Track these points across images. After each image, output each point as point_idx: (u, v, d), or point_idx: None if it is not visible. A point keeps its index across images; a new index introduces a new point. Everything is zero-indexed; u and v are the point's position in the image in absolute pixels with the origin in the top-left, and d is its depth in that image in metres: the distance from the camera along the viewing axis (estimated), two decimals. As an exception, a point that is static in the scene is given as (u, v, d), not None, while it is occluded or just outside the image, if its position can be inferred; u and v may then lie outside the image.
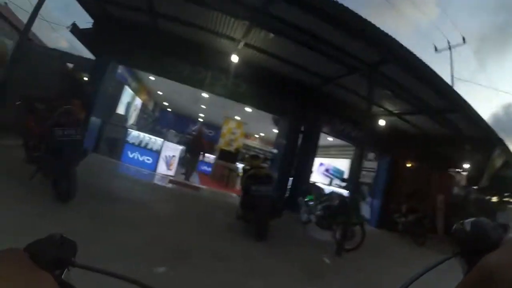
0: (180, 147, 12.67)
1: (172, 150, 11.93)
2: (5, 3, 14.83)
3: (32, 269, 0.44)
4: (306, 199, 8.19)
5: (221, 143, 17.89)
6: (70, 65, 10.98)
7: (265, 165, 6.93)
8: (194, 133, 12.56)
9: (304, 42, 7.41)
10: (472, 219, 0.57)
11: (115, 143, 11.20)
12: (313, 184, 9.55)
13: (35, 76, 10.03)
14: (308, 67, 8.89)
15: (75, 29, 9.55)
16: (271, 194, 5.88)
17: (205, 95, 13.60)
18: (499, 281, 0.39)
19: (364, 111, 7.55)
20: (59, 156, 4.42)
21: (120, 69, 11.69)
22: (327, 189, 9.76)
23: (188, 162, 11.87)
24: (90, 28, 9.75)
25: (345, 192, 9.16)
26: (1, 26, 11.13)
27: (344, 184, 10.33)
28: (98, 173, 7.64)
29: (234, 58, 8.74)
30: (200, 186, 10.80)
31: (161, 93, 17.48)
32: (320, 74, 9.14)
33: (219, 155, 15.25)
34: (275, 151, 10.33)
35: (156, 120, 22.22)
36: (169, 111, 23.41)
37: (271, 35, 7.49)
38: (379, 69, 7.29)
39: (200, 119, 22.73)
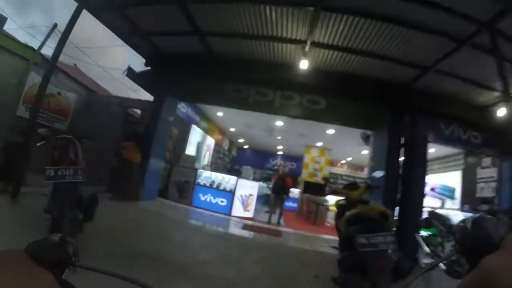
0: (258, 184, 11.04)
1: (249, 188, 10.33)
2: (75, 64, 16.18)
3: (33, 268, 0.45)
4: (426, 235, 5.74)
5: (305, 175, 15.86)
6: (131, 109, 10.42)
7: (366, 197, 4.67)
8: (279, 172, 10.91)
9: (393, 17, 5.44)
10: (474, 217, 0.57)
11: (184, 186, 10.07)
12: (434, 212, 6.64)
13: (98, 125, 9.59)
14: (400, 56, 6.67)
15: (130, 73, 8.96)
16: (393, 246, 3.26)
17: (279, 123, 12.05)
18: (499, 284, 0.40)
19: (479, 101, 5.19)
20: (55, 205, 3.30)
21: (184, 108, 10.86)
22: (453, 216, 6.97)
23: (273, 203, 10.31)
24: (145, 70, 9.10)
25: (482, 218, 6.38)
26: (70, 84, 11.12)
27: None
28: (155, 224, 6.29)
29: (303, 64, 6.96)
30: (282, 229, 8.89)
31: (233, 129, 16.36)
32: (416, 62, 6.86)
33: (304, 188, 13.37)
34: (379, 174, 7.89)
35: (233, 159, 21.18)
36: (246, 148, 22.30)
37: (346, 16, 5.65)
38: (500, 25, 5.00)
39: (279, 152, 21.11)
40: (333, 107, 8.16)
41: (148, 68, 9.11)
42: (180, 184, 10.24)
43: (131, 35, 7.90)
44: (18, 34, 10.19)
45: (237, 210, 9.83)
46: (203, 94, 8.94)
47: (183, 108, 11.00)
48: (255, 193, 10.47)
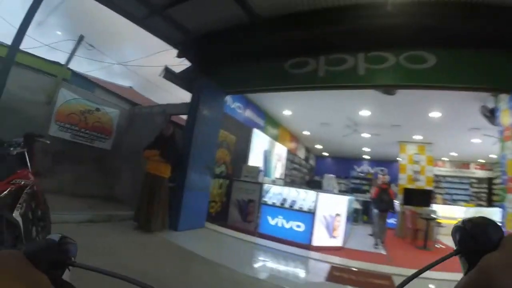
0: (347, 198, 8.32)
1: (335, 204, 7.60)
2: (130, 87, 16.64)
3: (29, 271, 0.45)
4: None
5: (403, 180, 12.32)
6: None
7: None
8: (379, 182, 8.44)
9: None
10: (473, 217, 0.54)
11: (247, 207, 7.86)
12: None
13: (142, 138, 8.12)
14: None
15: (168, 74, 7.10)
16: None
17: (365, 113, 9.22)
18: (499, 282, 0.39)
19: None
20: None
21: (241, 108, 8.85)
22: None
23: (379, 223, 8.35)
24: (184, 69, 7.34)
25: None
26: (109, 99, 10.08)
27: None
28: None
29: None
30: (391, 267, 5.82)
31: (307, 132, 13.67)
32: None
33: (404, 198, 10.44)
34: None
35: (311, 169, 18.46)
36: (325, 156, 19.47)
37: None
38: None
39: (365, 156, 17.85)
40: (448, 62, 5.04)
41: (184, 63, 7.20)
42: (243, 204, 7.97)
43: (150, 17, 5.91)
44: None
45: (320, 237, 7.07)
46: (254, 79, 6.58)
47: (239, 108, 8.78)
48: (343, 211, 7.71)
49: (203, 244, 5.82)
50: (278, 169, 12.56)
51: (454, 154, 15.32)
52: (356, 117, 9.93)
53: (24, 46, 8.46)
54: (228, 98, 8.18)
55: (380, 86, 6.21)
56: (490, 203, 15.21)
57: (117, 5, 5.62)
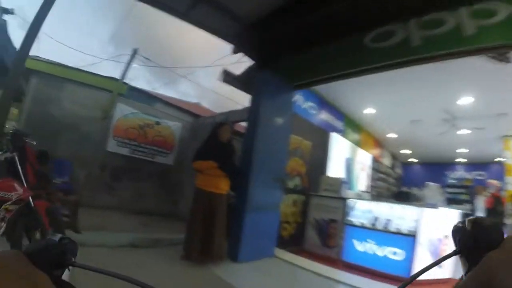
0: (458, 212, 6.49)
1: (443, 222, 5.73)
2: (198, 102, 16.44)
3: (30, 271, 0.44)
4: None
5: (509, 185, 9.50)
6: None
7: None
8: (492, 191, 6.89)
9: None
10: (475, 217, 0.54)
11: (328, 228, 6.46)
12: None
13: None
14: None
15: (227, 77, 6.16)
16: None
17: (466, 100, 7.34)
18: (501, 281, 0.39)
19: None
20: None
21: (316, 109, 7.65)
22: None
23: None
24: (245, 70, 6.20)
25: None
26: (170, 112, 9.58)
27: None
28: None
29: None
30: None
31: (394, 135, 11.64)
32: None
33: None
34: None
35: (399, 178, 16.15)
36: (413, 162, 17.02)
37: None
38: None
39: (459, 159, 15.05)
40: None
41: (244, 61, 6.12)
42: (323, 224, 6.55)
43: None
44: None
45: (424, 266, 5.17)
46: (326, 64, 5.00)
47: (312, 108, 7.40)
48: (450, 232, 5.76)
49: (270, 282, 4.44)
50: (362, 180, 10.76)
51: None
52: (455, 108, 7.91)
53: (85, 63, 8.86)
54: (298, 97, 6.84)
55: (493, 49, 4.28)
56: None
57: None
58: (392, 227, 5.72)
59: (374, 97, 8.00)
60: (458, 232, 0.55)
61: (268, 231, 5.41)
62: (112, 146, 7.90)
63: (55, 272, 0.51)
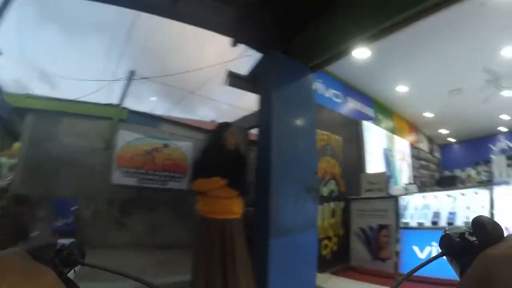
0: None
1: None
2: (213, 120, 15.52)
3: (35, 265, 0.43)
4: None
5: None
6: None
7: None
8: None
9: None
10: (473, 217, 0.51)
11: (378, 238, 5.29)
12: None
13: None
14: None
15: (233, 80, 5.14)
16: None
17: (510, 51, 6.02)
18: (499, 274, 0.39)
19: None
20: None
21: (339, 97, 6.61)
22: None
23: None
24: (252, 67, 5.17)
25: None
26: (179, 132, 8.77)
27: None
28: None
29: None
30: None
31: (431, 114, 10.34)
32: None
33: None
34: None
35: (439, 163, 14.67)
36: (451, 142, 15.50)
37: None
38: None
39: (502, 128, 13.40)
40: None
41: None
42: (370, 233, 5.41)
43: None
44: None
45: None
46: (337, 33, 3.79)
47: (336, 96, 6.35)
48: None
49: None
50: (404, 172, 9.50)
51: None
52: (497, 64, 6.66)
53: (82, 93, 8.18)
54: (319, 85, 5.79)
55: None
56: None
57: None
58: (460, 221, 4.52)
59: (404, 72, 6.91)
60: (444, 236, 0.54)
61: (305, 257, 4.01)
62: (117, 177, 7.23)
63: (60, 268, 0.51)
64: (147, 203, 7.38)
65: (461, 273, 0.48)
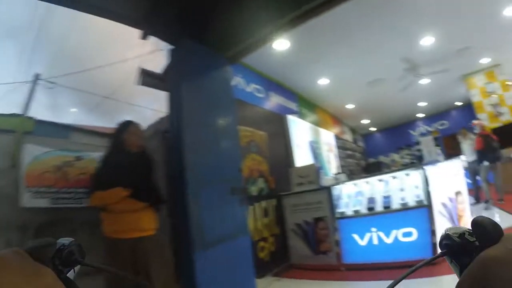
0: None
1: (451, 178, 5.02)
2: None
3: (34, 265, 0.43)
4: None
5: (483, 121, 8.90)
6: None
7: None
8: (480, 131, 6.87)
9: None
10: (473, 217, 0.49)
11: (315, 231, 5.19)
12: None
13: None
14: None
15: (147, 79, 4.40)
16: None
17: (428, 40, 6.74)
18: (496, 274, 0.39)
19: None
20: None
21: (261, 92, 6.53)
22: None
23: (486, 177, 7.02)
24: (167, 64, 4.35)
25: None
26: (94, 142, 7.32)
27: None
28: None
29: None
30: None
31: (352, 106, 10.75)
32: None
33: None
34: None
35: (363, 153, 15.40)
36: (373, 131, 16.51)
37: None
38: None
39: (420, 114, 14.71)
40: None
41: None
42: (307, 228, 5.22)
43: None
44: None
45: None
46: (259, 20, 3.47)
47: (258, 91, 6.11)
48: (464, 184, 5.27)
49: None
50: (332, 162, 9.68)
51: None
52: (415, 54, 7.13)
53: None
54: (239, 80, 5.49)
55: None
56: None
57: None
58: (396, 203, 4.58)
59: (325, 65, 7.06)
60: (445, 237, 0.52)
61: (239, 266, 3.54)
62: (28, 200, 6.15)
63: (60, 268, 0.50)
64: (66, 226, 6.50)
65: (461, 273, 0.47)
